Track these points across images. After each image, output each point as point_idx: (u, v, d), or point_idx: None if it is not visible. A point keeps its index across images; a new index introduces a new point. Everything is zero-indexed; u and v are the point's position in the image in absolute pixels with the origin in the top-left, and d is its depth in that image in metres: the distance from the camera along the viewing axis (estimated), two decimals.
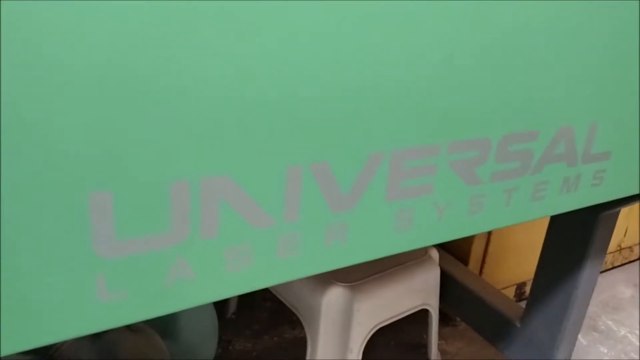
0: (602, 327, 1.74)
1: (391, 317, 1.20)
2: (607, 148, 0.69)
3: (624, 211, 1.88)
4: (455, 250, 1.56)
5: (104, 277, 0.40)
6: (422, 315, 1.32)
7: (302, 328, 1.16)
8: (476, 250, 1.56)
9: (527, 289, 1.73)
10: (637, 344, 1.66)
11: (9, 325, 0.38)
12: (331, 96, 0.45)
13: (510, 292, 1.72)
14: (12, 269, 0.37)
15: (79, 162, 0.36)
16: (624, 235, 2.03)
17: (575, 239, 1.07)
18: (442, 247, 1.53)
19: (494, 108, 0.55)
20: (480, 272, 1.59)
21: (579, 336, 1.21)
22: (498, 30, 0.52)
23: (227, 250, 0.45)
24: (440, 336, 1.50)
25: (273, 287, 1.20)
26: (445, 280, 1.38)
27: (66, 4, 0.33)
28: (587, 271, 1.08)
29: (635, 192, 0.77)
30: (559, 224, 1.11)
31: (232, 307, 1.59)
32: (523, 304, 1.48)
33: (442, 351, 1.52)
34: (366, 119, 0.48)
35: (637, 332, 1.72)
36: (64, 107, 0.34)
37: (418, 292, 1.26)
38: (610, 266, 2.07)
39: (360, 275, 1.15)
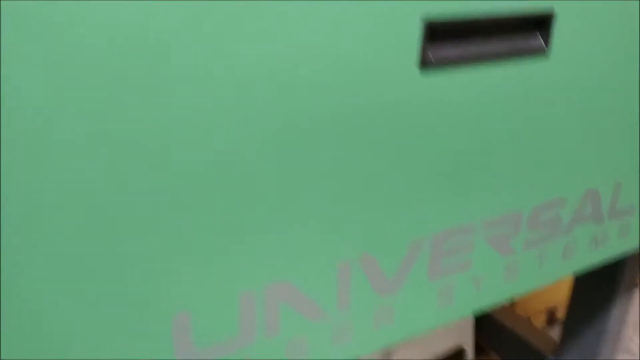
0: (635, 350, 1.74)
1: (428, 358, 1.23)
2: (631, 202, 0.72)
3: None
4: None
5: None
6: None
7: None
8: None
9: (558, 313, 1.75)
10: None
11: None
12: (373, 194, 0.49)
13: (542, 317, 1.74)
14: None
15: (163, 291, 0.40)
16: None
17: (604, 275, 1.10)
18: None
19: (522, 184, 0.59)
20: (512, 299, 1.62)
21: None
22: (522, 111, 0.55)
23: (287, 345, 0.49)
24: None
25: None
26: (479, 314, 1.41)
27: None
28: (618, 304, 1.10)
29: None
30: None
31: None
32: (554, 329, 1.49)
33: None
34: (407, 209, 0.52)
35: None
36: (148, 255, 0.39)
37: (453, 331, 1.28)
38: None
39: None
